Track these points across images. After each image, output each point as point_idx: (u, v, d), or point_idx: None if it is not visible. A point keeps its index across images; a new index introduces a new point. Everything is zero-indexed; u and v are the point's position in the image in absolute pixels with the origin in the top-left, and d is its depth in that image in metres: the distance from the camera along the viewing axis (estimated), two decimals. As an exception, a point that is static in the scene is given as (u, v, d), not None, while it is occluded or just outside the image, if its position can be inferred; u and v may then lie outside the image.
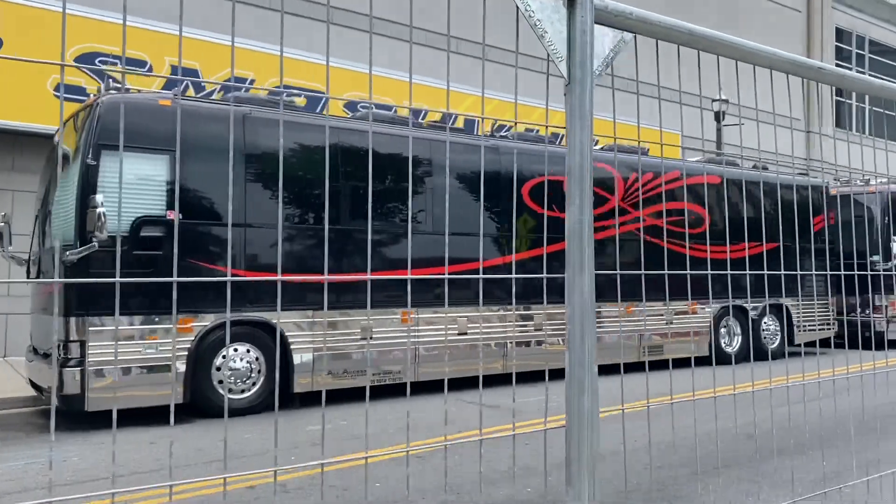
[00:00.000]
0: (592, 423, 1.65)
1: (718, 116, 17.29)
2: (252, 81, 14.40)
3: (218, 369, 7.86)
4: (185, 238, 7.67)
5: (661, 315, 11.26)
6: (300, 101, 14.83)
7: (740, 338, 12.23)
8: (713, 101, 16.87)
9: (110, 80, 8.31)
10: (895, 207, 14.33)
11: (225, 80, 14.00)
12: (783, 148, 20.06)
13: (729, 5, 23.09)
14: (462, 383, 8.54)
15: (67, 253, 7.12)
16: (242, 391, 7.98)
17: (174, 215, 7.60)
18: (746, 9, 23.54)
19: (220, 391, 7.82)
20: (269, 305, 8.05)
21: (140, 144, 7.45)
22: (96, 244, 6.95)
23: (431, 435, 6.74)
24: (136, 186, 7.49)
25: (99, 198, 6.94)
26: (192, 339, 7.68)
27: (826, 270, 13.08)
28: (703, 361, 11.18)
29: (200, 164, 7.70)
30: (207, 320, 7.74)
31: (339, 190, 8.71)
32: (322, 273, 8.21)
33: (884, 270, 13.68)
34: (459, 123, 16.36)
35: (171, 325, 7.57)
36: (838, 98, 26.22)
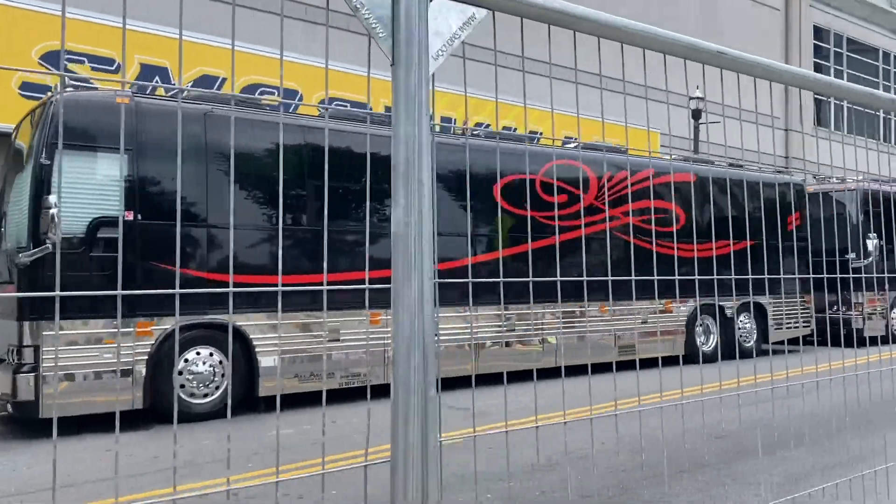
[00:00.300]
0: (424, 458, 1.44)
1: (696, 114, 17.24)
2: (223, 80, 14.20)
3: (180, 373, 7.66)
4: (146, 239, 7.47)
5: (637, 314, 11.17)
6: (273, 100, 14.62)
7: (716, 336, 12.17)
8: (690, 98, 16.82)
9: (66, 77, 8.07)
10: (871, 205, 14.33)
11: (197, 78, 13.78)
12: (761, 146, 20.07)
13: (708, 4, 23.08)
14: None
15: (20, 255, 6.91)
16: (205, 395, 7.79)
17: (132, 215, 7.43)
18: (726, 8, 23.55)
19: (182, 395, 7.63)
20: (234, 308, 7.86)
21: (96, 143, 7.25)
22: (50, 246, 6.74)
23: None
24: (92, 186, 7.29)
25: (52, 198, 6.74)
26: (152, 342, 7.49)
27: (802, 268, 13.05)
28: (681, 360, 11.10)
29: (160, 163, 7.53)
30: (168, 323, 7.55)
31: (310, 189, 8.54)
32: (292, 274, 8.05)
33: (861, 267, 13.68)
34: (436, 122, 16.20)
35: (130, 329, 7.39)
36: (818, 96, 26.32)
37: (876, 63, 28.94)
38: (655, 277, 2.88)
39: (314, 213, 8.57)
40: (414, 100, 1.43)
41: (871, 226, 14.00)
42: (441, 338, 9.27)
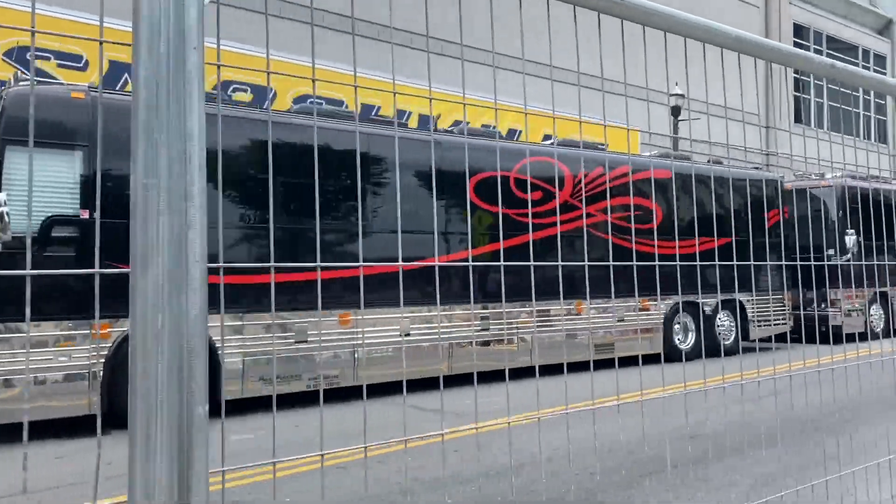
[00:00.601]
0: (180, 498, 1.07)
1: (675, 111, 17.14)
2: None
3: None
4: (104, 238, 7.22)
5: (613, 313, 11.04)
6: (247, 96, 14.39)
7: (694, 334, 12.05)
8: (669, 95, 16.72)
9: (20, 72, 7.83)
10: (850, 201, 14.27)
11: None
12: (741, 143, 20.04)
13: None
14: (409, 386, 8.23)
15: (-33, 256, 6.66)
16: (166, 399, 7.56)
17: (88, 214, 7.20)
18: (705, 3, 23.49)
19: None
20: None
21: (51, 139, 7.00)
22: (-1, 246, 6.50)
23: (356, 443, 6.38)
24: (46, 184, 7.04)
25: (2, 196, 6.49)
26: (111, 345, 7.25)
27: (781, 265, 12.97)
28: (640, 360, 10.99)
29: (119, 160, 7.30)
30: (128, 325, 7.30)
31: (276, 186, 8.33)
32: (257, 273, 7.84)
33: (839, 263, 13.62)
34: (413, 122, 16.03)
35: (87, 331, 7.15)
36: (797, 94, 26.35)
37: (856, 60, 29.02)
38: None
39: (277, 207, 8.36)
40: (159, 29, 1.11)
41: (850, 222, 13.95)
42: (412, 337, 9.08)
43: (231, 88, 14.12)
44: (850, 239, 13.77)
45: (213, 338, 7.76)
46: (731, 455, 5.89)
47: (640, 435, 5.99)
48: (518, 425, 7.14)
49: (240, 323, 7.92)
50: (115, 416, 7.37)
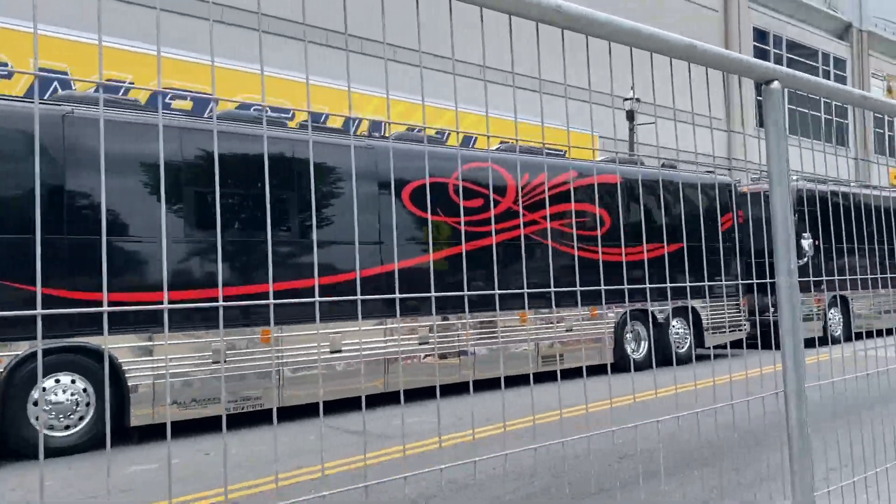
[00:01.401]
0: None
1: (630, 115, 16.87)
2: (131, 84, 13.37)
3: (35, 404, 6.86)
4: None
5: (561, 322, 10.64)
6: (186, 104, 13.87)
7: (647, 343, 11.68)
8: (625, 99, 16.44)
9: None
10: (807, 204, 14.03)
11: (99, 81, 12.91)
12: (701, 147, 19.80)
13: (647, 4, 22.84)
14: (340, 405, 7.74)
15: None
16: (67, 427, 7.00)
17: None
18: (664, 8, 23.35)
19: (38, 428, 6.84)
20: (99, 329, 7.06)
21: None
22: None
23: (270, 472, 5.89)
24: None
25: None
26: (2, 370, 6.68)
27: (736, 270, 12.67)
28: (585, 371, 10.59)
29: (8, 170, 6.77)
30: (20, 348, 6.75)
31: (186, 197, 7.83)
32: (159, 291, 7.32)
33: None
34: (364, 127, 15.57)
35: (-26, 356, 6.59)
36: (759, 98, 26.30)
37: (816, 64, 29.10)
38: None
39: (194, 222, 7.84)
40: None
41: (807, 226, 13.70)
42: (346, 353, 8.59)
43: (170, 96, 13.57)
44: (806, 242, 13.51)
45: (120, 360, 7.24)
46: (666, 475, 5.48)
47: (584, 450, 5.55)
48: (450, 445, 6.70)
49: (149, 343, 7.38)
50: (8, 447, 6.79)
